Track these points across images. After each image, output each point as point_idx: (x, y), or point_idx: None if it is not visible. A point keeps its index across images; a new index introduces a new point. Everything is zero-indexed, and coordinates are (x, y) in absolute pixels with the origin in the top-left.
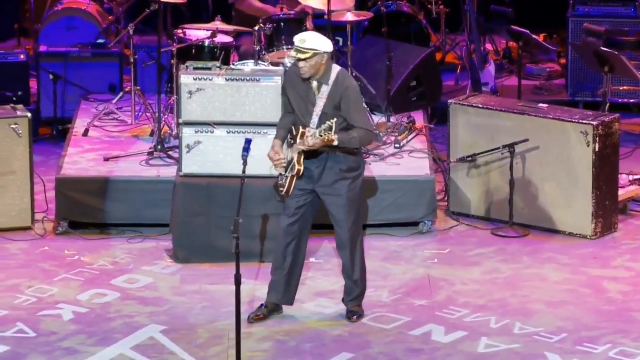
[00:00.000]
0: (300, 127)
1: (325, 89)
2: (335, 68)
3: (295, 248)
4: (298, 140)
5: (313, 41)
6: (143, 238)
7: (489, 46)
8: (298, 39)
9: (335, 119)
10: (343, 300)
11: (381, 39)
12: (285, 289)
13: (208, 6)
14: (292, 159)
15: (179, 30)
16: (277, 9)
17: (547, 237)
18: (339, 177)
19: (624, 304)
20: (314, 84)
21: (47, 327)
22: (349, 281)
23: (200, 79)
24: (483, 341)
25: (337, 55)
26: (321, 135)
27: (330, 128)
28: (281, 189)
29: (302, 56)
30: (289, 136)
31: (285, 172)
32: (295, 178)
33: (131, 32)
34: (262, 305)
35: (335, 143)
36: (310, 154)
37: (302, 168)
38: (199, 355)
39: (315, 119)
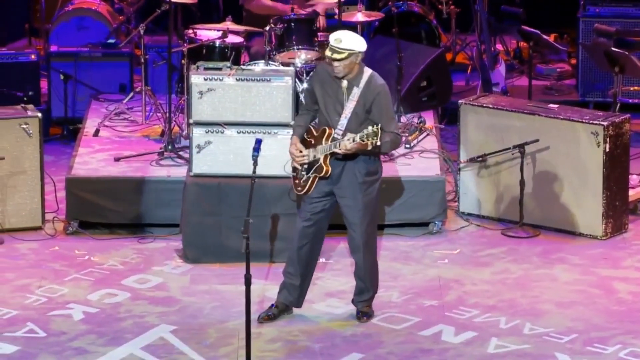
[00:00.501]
0: (326, 128)
1: (357, 91)
2: (367, 70)
3: (309, 251)
4: (324, 142)
5: (349, 41)
6: (153, 238)
7: (499, 46)
8: (334, 38)
9: (379, 125)
10: (353, 300)
11: (392, 39)
12: (296, 291)
13: (219, 6)
14: (317, 159)
15: (190, 31)
16: (288, 8)
17: (558, 238)
18: (358, 180)
19: (635, 305)
20: (344, 84)
21: (57, 327)
22: (361, 283)
23: (210, 79)
24: (493, 342)
25: None
26: (363, 141)
27: (375, 134)
28: (299, 188)
29: (337, 56)
30: (305, 135)
31: (308, 172)
32: (318, 179)
33: (142, 32)
34: (272, 305)
35: (369, 148)
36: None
37: (329, 169)
38: (209, 355)
39: (344, 121)
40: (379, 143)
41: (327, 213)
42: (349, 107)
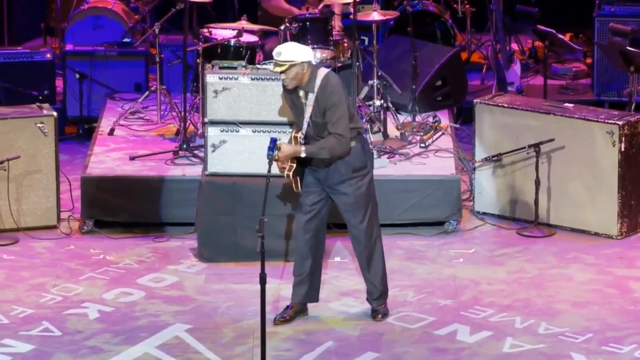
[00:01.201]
0: (293, 132)
1: (311, 97)
2: (321, 73)
3: (315, 244)
4: (292, 142)
5: (289, 53)
6: (169, 237)
7: (514, 46)
8: (275, 52)
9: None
10: (367, 299)
11: (407, 39)
12: (309, 287)
13: (234, 5)
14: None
15: (205, 30)
16: (303, 10)
17: (573, 237)
18: (344, 178)
19: None
20: (301, 92)
21: (72, 326)
22: (367, 281)
23: (225, 79)
24: (508, 341)
25: (362, 55)
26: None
27: (278, 148)
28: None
29: (279, 69)
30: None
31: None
32: (292, 176)
33: (157, 31)
34: (288, 307)
35: (303, 155)
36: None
37: (293, 165)
38: (224, 354)
39: (305, 126)
40: (279, 156)
41: (325, 203)
42: (307, 112)
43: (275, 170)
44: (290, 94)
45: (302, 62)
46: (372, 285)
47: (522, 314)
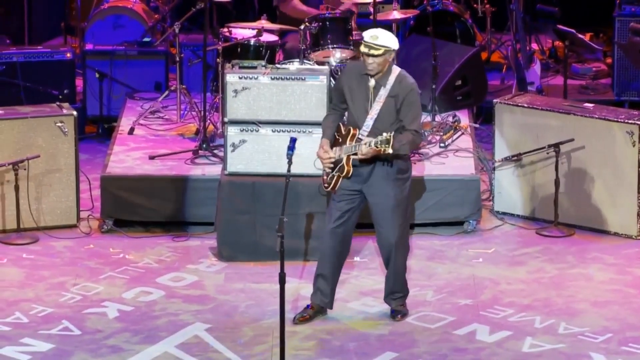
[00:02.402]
0: (351, 128)
1: (384, 92)
2: (396, 70)
3: (340, 252)
4: (348, 142)
5: (385, 38)
6: (188, 236)
7: (534, 45)
8: (369, 35)
9: (392, 133)
10: (385, 299)
11: (427, 38)
12: (329, 293)
13: (254, 5)
14: (340, 158)
15: (225, 29)
16: (322, 9)
17: (593, 237)
18: (388, 179)
19: None
20: (372, 83)
21: (92, 325)
22: (391, 283)
23: (245, 78)
24: (528, 341)
25: None
26: (377, 147)
27: (387, 142)
28: (326, 185)
29: (374, 52)
30: (335, 134)
31: (333, 170)
32: (341, 178)
33: (177, 30)
34: (308, 306)
35: (390, 151)
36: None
37: (351, 169)
38: (243, 353)
39: (369, 122)
40: (390, 151)
41: (355, 212)
42: (375, 108)
43: (295, 169)
44: (358, 83)
45: (393, 50)
46: (395, 287)
47: (541, 314)
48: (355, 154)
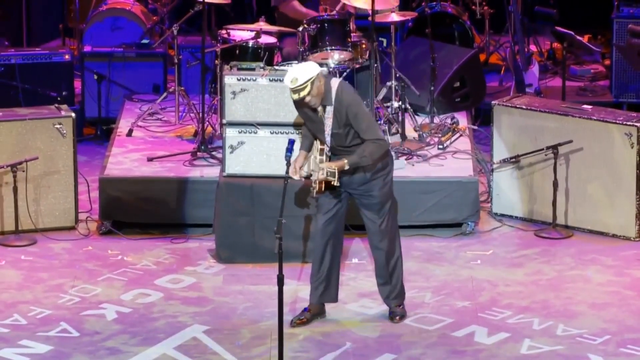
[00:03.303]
0: (319, 144)
1: (329, 109)
2: (334, 84)
3: (333, 246)
4: (317, 155)
5: (303, 73)
6: (187, 238)
7: (533, 47)
8: (289, 81)
9: (336, 166)
10: (385, 301)
11: (425, 40)
12: (326, 288)
13: (252, 7)
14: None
15: (223, 31)
16: (321, 10)
17: (591, 239)
18: (368, 179)
19: None
20: (319, 108)
21: (90, 326)
22: (383, 280)
23: (244, 80)
24: (526, 343)
25: (381, 56)
26: (327, 178)
27: (333, 175)
28: (312, 187)
29: (304, 92)
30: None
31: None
32: (324, 184)
33: (175, 32)
34: (305, 309)
35: (347, 167)
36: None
37: (322, 188)
38: (241, 355)
39: (328, 138)
40: (336, 184)
41: (343, 205)
42: (328, 125)
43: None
44: (308, 111)
45: (317, 75)
46: (389, 284)
47: (540, 316)
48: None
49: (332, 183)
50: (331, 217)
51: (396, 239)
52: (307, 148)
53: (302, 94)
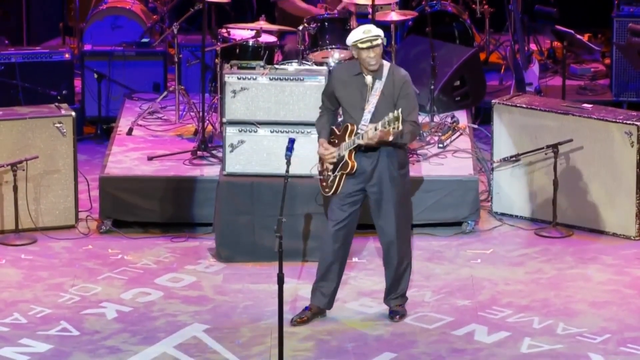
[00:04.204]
0: (348, 124)
1: (379, 85)
2: (386, 63)
3: (342, 255)
4: (347, 138)
5: (375, 28)
6: (187, 237)
7: (533, 46)
8: (362, 31)
9: (400, 109)
10: (385, 300)
11: (425, 39)
12: (329, 295)
13: (252, 6)
14: (342, 156)
15: (223, 30)
16: (321, 9)
17: (591, 238)
18: (393, 175)
19: None
20: (368, 79)
21: (90, 325)
22: (391, 279)
23: (244, 79)
24: (526, 341)
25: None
26: (385, 127)
27: (397, 119)
28: (327, 189)
29: (376, 43)
30: (330, 137)
31: (334, 171)
32: (345, 176)
33: (175, 31)
34: (306, 308)
35: (391, 139)
36: (361, 151)
37: (355, 164)
38: (241, 354)
39: (367, 116)
40: (401, 127)
41: (357, 212)
42: (372, 102)
43: (293, 170)
44: (350, 83)
45: (383, 38)
46: (398, 283)
47: (540, 315)
48: (358, 148)
49: (397, 129)
50: (343, 225)
51: (409, 239)
52: (327, 137)
53: (375, 43)
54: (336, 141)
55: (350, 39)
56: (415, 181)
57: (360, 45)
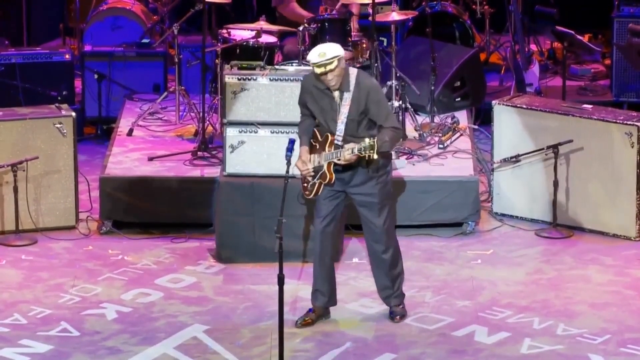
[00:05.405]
0: (328, 135)
1: (347, 95)
2: (353, 72)
3: (331, 249)
4: (327, 148)
5: (331, 49)
6: (187, 238)
7: (533, 47)
8: (316, 54)
9: (376, 139)
10: (385, 300)
11: (425, 40)
12: (329, 293)
13: (253, 6)
14: (321, 166)
15: (224, 31)
16: (321, 10)
17: (591, 239)
18: (370, 177)
19: None
20: (336, 93)
21: (91, 326)
22: (384, 279)
23: (244, 79)
24: (526, 342)
25: (381, 56)
26: (361, 153)
27: (372, 147)
28: (307, 192)
29: (330, 67)
30: (312, 139)
31: (314, 177)
32: (323, 185)
33: (176, 32)
34: (310, 310)
35: (375, 157)
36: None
37: (333, 177)
38: (242, 355)
39: (341, 126)
40: (375, 157)
41: (342, 206)
42: (343, 112)
43: (293, 171)
44: (319, 96)
45: (342, 56)
46: (390, 282)
47: (540, 315)
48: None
49: (371, 157)
50: (330, 220)
51: (395, 238)
52: (308, 144)
53: (329, 67)
54: (317, 146)
55: (308, 59)
56: (415, 182)
57: (315, 69)
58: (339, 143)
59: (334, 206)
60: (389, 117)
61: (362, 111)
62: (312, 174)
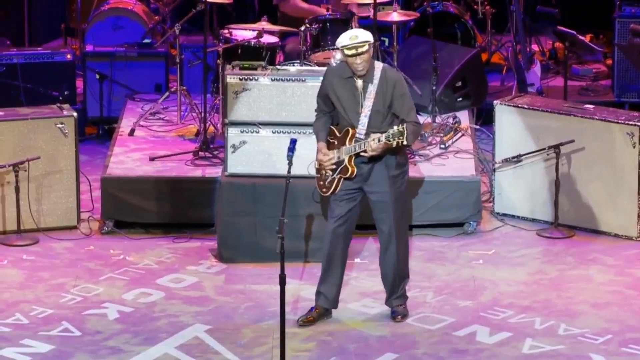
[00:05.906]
0: (349, 129)
1: (372, 88)
2: (379, 65)
3: (342, 252)
4: (347, 142)
5: (363, 34)
6: (188, 238)
7: (535, 47)
8: (348, 37)
9: (405, 125)
10: (387, 301)
11: (427, 40)
12: (334, 294)
13: (254, 6)
14: (341, 160)
15: (225, 31)
16: (323, 9)
17: (593, 239)
18: (389, 174)
19: None
20: (359, 83)
21: (92, 326)
22: (393, 279)
23: (246, 79)
24: (528, 342)
25: (383, 56)
26: (389, 141)
27: (401, 134)
28: (324, 190)
29: (362, 50)
30: (328, 137)
31: (333, 173)
32: (343, 180)
33: (177, 32)
34: (312, 308)
35: (405, 142)
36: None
37: (355, 170)
38: (243, 355)
39: (364, 119)
40: (405, 142)
41: (357, 209)
42: (367, 105)
43: (295, 171)
44: (342, 87)
45: (372, 42)
46: (398, 283)
47: (541, 315)
48: (358, 154)
49: (400, 143)
50: (343, 222)
51: (406, 239)
52: (325, 140)
53: (360, 50)
54: (335, 142)
55: (338, 42)
56: (417, 182)
57: (346, 52)
58: (361, 136)
59: (349, 208)
60: (411, 112)
61: (386, 104)
62: (334, 167)
